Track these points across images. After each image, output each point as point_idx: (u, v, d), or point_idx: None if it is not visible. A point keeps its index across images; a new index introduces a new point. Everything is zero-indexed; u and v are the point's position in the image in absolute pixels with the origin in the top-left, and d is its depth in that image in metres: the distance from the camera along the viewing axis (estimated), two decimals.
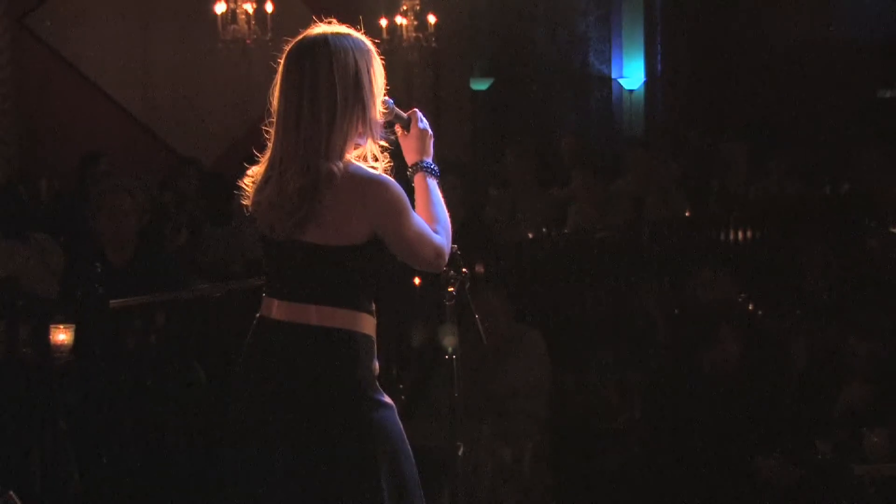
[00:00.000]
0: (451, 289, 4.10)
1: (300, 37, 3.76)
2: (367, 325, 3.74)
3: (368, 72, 3.71)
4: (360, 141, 3.73)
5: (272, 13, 11.86)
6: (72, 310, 7.27)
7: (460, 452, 3.94)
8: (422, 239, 3.72)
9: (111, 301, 7.26)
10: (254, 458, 3.72)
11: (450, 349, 4.13)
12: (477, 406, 6.44)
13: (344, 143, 3.65)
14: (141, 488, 6.90)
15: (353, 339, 3.68)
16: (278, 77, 3.74)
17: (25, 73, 13.19)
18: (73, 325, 7.11)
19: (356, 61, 3.69)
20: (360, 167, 3.67)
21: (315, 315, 3.68)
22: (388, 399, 3.76)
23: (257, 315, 3.85)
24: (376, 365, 3.79)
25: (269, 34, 11.72)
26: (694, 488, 6.61)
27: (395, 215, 3.65)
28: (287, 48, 3.75)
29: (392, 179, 3.71)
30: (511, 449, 6.77)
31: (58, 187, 11.72)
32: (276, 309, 3.75)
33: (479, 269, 7.52)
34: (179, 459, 7.18)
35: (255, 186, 3.81)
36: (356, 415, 3.66)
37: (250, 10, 11.74)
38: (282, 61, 3.74)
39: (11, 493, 5.52)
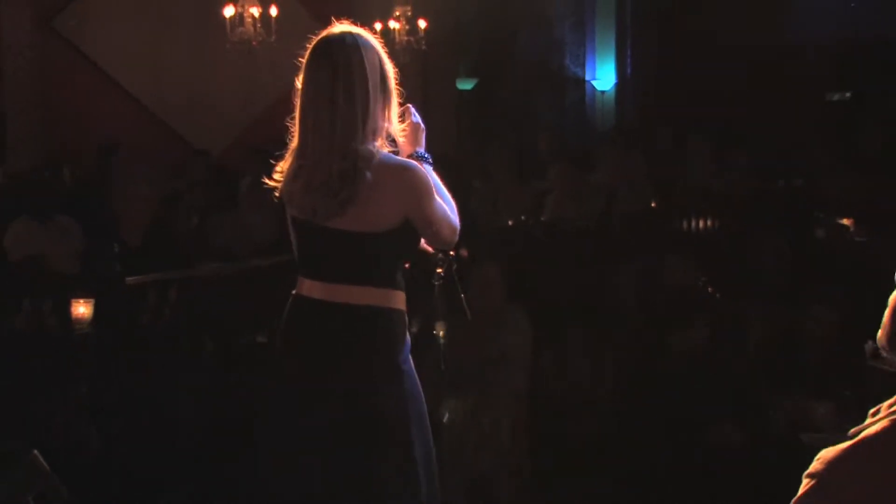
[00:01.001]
0: (439, 270, 4.08)
1: (324, 34, 3.71)
2: (400, 300, 3.77)
3: (388, 67, 3.70)
4: (386, 129, 3.70)
5: (276, 17, 11.85)
6: (91, 286, 7.30)
7: (445, 420, 3.92)
8: (444, 219, 3.75)
9: (127, 278, 7.28)
10: (297, 420, 3.73)
11: (437, 327, 4.12)
12: (461, 378, 6.41)
13: (375, 130, 3.64)
14: (153, 449, 6.88)
15: (389, 314, 3.72)
16: (307, 73, 3.68)
17: (50, 70, 13.16)
18: (93, 300, 7.13)
19: (380, 57, 3.69)
20: (389, 155, 3.67)
21: (355, 295, 3.68)
22: (413, 367, 3.80)
23: (293, 293, 3.82)
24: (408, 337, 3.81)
25: (273, 36, 11.71)
26: (658, 454, 6.61)
27: (426, 198, 3.67)
28: (313, 45, 3.70)
29: (418, 165, 3.70)
30: (491, 417, 6.74)
31: (79, 174, 11.70)
32: (318, 290, 3.74)
33: (464, 252, 7.49)
34: (189, 421, 7.17)
35: (284, 178, 3.76)
36: (393, 383, 3.71)
37: (256, 14, 11.74)
38: (308, 58, 3.68)
39: (35, 452, 5.50)
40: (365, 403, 3.66)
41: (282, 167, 3.79)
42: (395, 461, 3.67)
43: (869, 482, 2.02)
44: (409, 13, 11.56)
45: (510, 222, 10.01)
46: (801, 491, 2.10)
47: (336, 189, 3.58)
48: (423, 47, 11.74)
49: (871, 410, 2.13)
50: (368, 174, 3.56)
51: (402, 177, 3.64)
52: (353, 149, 3.57)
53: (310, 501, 3.69)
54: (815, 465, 2.10)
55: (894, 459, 2.02)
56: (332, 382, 3.68)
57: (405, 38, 11.27)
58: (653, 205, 10.33)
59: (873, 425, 2.08)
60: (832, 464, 2.08)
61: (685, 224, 9.80)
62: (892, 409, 2.08)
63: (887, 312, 2.23)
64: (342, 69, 3.59)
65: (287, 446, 3.75)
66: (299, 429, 3.72)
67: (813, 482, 2.09)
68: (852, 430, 2.12)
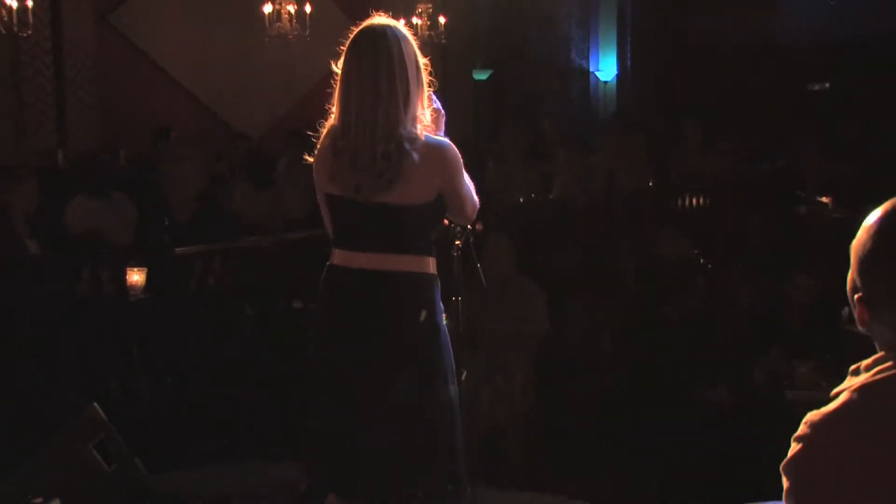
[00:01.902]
0: (458, 242, 4.09)
1: (366, 25, 3.67)
2: (434, 265, 3.76)
3: (420, 58, 3.69)
4: (421, 114, 3.67)
5: (310, 13, 11.87)
6: (144, 256, 7.31)
7: (463, 377, 3.92)
8: (470, 195, 3.75)
9: (176, 249, 7.29)
10: (346, 376, 3.71)
11: (455, 293, 4.11)
12: (477, 339, 6.42)
13: (415, 114, 3.62)
14: (199, 401, 6.92)
15: (427, 279, 3.72)
16: (350, 61, 3.63)
17: (107, 62, 13.16)
18: (146, 269, 7.15)
19: (415, 49, 3.67)
20: (429, 136, 3.64)
21: (395, 263, 3.67)
22: (445, 325, 3.79)
23: (329, 264, 3.79)
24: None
25: (307, 31, 11.75)
26: (653, 409, 6.61)
27: (458, 174, 3.67)
28: (356, 35, 3.65)
29: (452, 144, 3.69)
30: (504, 375, 6.76)
31: (133, 156, 11.71)
32: (357, 259, 3.71)
33: (479, 226, 7.49)
34: (231, 377, 7.20)
35: (320, 156, 3.73)
36: (433, 337, 3.71)
37: (292, 11, 11.79)
38: (351, 46, 3.64)
39: (95, 404, 5.52)
40: (412, 356, 3.66)
41: (319, 148, 3.75)
42: (440, 400, 3.69)
43: (854, 444, 1.96)
44: (431, 10, 11.55)
45: (521, 199, 9.98)
46: (790, 454, 2.03)
47: (382, 169, 3.55)
48: (443, 41, 11.72)
49: (852, 368, 2.07)
50: (415, 155, 3.55)
51: (442, 155, 3.62)
52: (399, 134, 3.54)
53: (369, 439, 3.69)
54: (803, 428, 2.02)
55: (875, 420, 1.96)
56: (380, 342, 3.67)
57: (427, 32, 11.24)
58: (650, 184, 10.29)
59: (854, 385, 2.02)
60: (818, 427, 2.00)
61: (679, 202, 9.77)
62: (871, 369, 2.02)
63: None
64: (385, 60, 3.56)
65: (342, 398, 3.72)
66: (351, 383, 3.70)
67: (801, 446, 2.02)
68: (834, 391, 2.07)
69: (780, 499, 2.90)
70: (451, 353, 3.76)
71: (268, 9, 11.81)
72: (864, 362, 2.04)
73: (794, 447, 2.01)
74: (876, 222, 2.03)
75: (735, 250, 7.82)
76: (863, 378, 2.01)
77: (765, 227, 7.81)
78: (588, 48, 17.49)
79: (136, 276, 7.12)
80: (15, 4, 10.40)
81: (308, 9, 11.92)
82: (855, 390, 2.00)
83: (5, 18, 10.38)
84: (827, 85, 17.54)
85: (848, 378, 2.06)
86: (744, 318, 7.01)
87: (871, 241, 2.02)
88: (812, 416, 2.02)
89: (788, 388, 6.20)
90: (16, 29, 10.62)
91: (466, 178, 3.71)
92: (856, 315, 2.08)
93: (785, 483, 2.03)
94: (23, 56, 12.34)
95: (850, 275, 2.07)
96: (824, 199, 9.19)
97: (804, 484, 2.01)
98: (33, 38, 11.85)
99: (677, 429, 6.34)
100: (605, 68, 17.68)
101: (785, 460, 2.02)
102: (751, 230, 7.80)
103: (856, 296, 2.06)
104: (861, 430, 1.96)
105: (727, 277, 7.46)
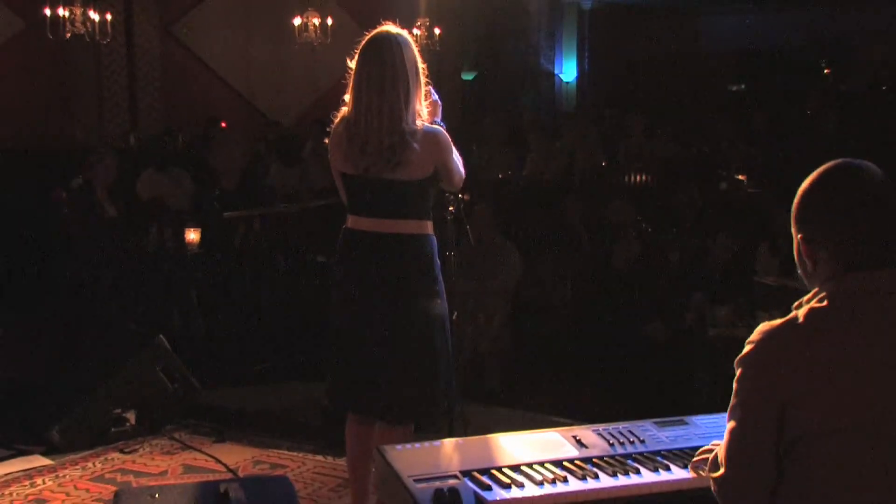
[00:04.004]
0: (451, 208, 4.04)
1: (376, 32, 3.57)
2: (431, 227, 3.68)
3: (420, 62, 3.59)
4: (420, 108, 3.58)
5: (331, 25, 11.80)
6: (198, 219, 7.27)
7: (454, 316, 3.89)
8: (457, 168, 3.65)
9: (224, 213, 7.25)
10: (359, 317, 3.65)
11: (448, 249, 4.07)
12: (465, 286, 6.40)
13: (415, 109, 3.53)
14: (243, 335, 6.91)
15: (427, 239, 3.65)
16: (362, 63, 3.53)
17: (169, 63, 13.12)
18: (200, 229, 7.10)
19: (415, 52, 3.58)
20: (426, 125, 3.56)
21: (400, 226, 3.59)
22: (441, 277, 3.73)
23: (345, 227, 3.72)
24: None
25: (329, 39, 11.68)
26: (604, 341, 6.62)
27: (448, 154, 3.58)
28: (367, 40, 3.55)
29: (443, 129, 3.61)
30: (485, 314, 6.74)
31: (189, 139, 11.64)
32: (368, 224, 3.63)
33: (465, 197, 7.47)
34: (269, 315, 7.18)
35: (335, 139, 3.64)
36: (432, 286, 3.65)
37: (317, 23, 11.75)
38: (363, 50, 3.54)
39: (161, 336, 5.51)
40: (415, 300, 3.61)
41: (333, 129, 3.67)
42: (440, 331, 3.64)
43: (796, 351, 2.00)
44: (428, 23, 11.49)
45: (500, 176, 9.94)
46: (743, 353, 2.06)
47: (388, 157, 3.49)
48: (438, 48, 11.64)
49: (795, 304, 2.11)
50: (416, 145, 3.49)
51: (436, 140, 3.55)
52: (402, 129, 3.47)
53: (380, 367, 3.65)
54: (755, 335, 2.05)
55: (810, 334, 2.01)
56: (388, 289, 3.61)
57: (424, 41, 11.15)
58: (602, 164, 10.24)
59: (801, 310, 2.06)
60: (767, 334, 2.03)
61: (626, 178, 9.71)
62: (811, 301, 2.07)
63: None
64: (389, 64, 3.48)
65: (358, 334, 3.67)
66: (365, 322, 3.65)
67: (752, 346, 2.05)
68: (777, 321, 2.10)
69: (705, 412, 2.92)
70: (445, 298, 3.73)
71: (297, 21, 11.83)
72: (805, 298, 2.09)
73: (747, 347, 2.05)
74: (807, 184, 2.11)
75: (669, 217, 7.78)
76: (806, 307, 2.05)
77: (693, 198, 7.76)
78: (554, 55, 17.38)
79: (192, 235, 7.09)
80: (96, 17, 10.44)
81: (330, 21, 11.87)
82: (799, 313, 2.04)
83: (89, 29, 10.40)
84: (743, 86, 17.55)
85: (793, 310, 2.09)
86: (675, 271, 6.99)
87: (802, 197, 2.11)
88: (763, 326, 2.05)
89: (710, 326, 6.19)
90: (97, 37, 10.66)
91: (456, 154, 3.64)
92: (802, 260, 2.13)
93: (737, 372, 2.07)
94: (103, 59, 12.36)
95: (794, 231, 2.13)
96: (740, 177, 9.16)
97: (750, 373, 2.04)
98: (111, 44, 11.82)
99: (623, 356, 6.35)
100: (567, 71, 17.60)
101: (739, 356, 2.06)
102: (682, 201, 7.76)
103: (799, 235, 2.11)
104: (799, 339, 2.00)
105: (663, 238, 7.44)
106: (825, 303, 2.03)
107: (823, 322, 2.00)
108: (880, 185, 2.06)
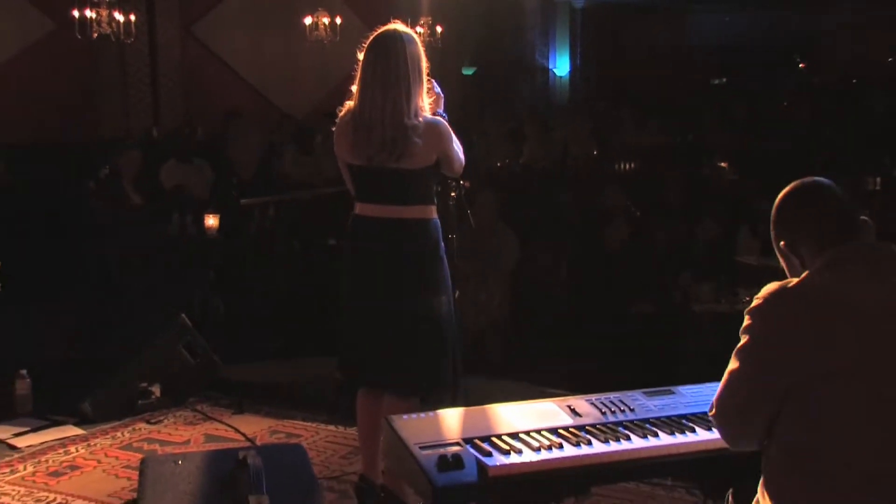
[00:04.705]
0: (453, 194, 4.02)
1: (382, 30, 3.54)
2: (434, 212, 3.67)
3: (423, 58, 3.56)
4: (422, 102, 3.55)
5: (340, 24, 11.80)
6: (217, 205, 7.26)
7: (457, 295, 3.88)
8: (458, 156, 3.61)
9: (242, 200, 7.24)
10: (368, 297, 3.66)
11: (451, 232, 4.05)
12: (467, 267, 6.39)
13: (418, 104, 3.50)
14: (259, 314, 6.91)
15: (431, 223, 3.64)
16: (368, 59, 3.50)
17: (189, 61, 13.06)
18: (219, 215, 7.09)
19: (419, 50, 3.54)
20: (427, 116, 3.53)
21: (405, 212, 3.58)
22: (446, 257, 3.71)
23: (353, 213, 3.70)
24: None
25: (338, 37, 11.69)
26: (597, 317, 6.61)
27: (449, 143, 3.55)
28: (374, 37, 3.52)
29: (443, 120, 3.59)
30: (486, 294, 6.73)
31: (209, 131, 11.61)
32: (375, 210, 3.61)
33: (466, 184, 7.44)
34: (283, 295, 7.17)
35: (341, 130, 3.62)
36: (437, 267, 3.64)
37: (327, 22, 11.81)
38: (370, 46, 3.51)
39: (183, 314, 5.52)
40: (420, 280, 3.60)
41: (339, 120, 3.64)
42: (443, 312, 3.62)
43: (800, 303, 2.15)
44: (430, 21, 11.50)
45: (499, 164, 9.91)
46: (752, 304, 2.20)
47: (391, 149, 3.47)
48: (440, 45, 11.64)
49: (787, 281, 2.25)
50: (417, 139, 3.46)
51: (437, 130, 3.52)
52: (404, 124, 3.45)
53: (389, 343, 3.64)
54: (763, 290, 2.20)
55: (817, 289, 2.16)
56: (395, 271, 3.60)
57: (427, 38, 11.13)
58: (595, 153, 10.21)
59: (799, 278, 2.22)
60: (776, 288, 2.18)
61: (617, 166, 9.69)
62: (805, 273, 2.23)
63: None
64: (393, 60, 3.45)
65: (367, 313, 3.67)
66: (373, 301, 3.65)
67: (760, 300, 2.19)
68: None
69: (691, 382, 2.92)
70: (449, 278, 3.72)
71: (308, 20, 11.90)
72: (794, 280, 2.24)
73: (756, 301, 2.20)
74: (779, 199, 2.33)
75: (657, 201, 7.76)
76: (805, 272, 2.23)
77: (679, 184, 7.74)
78: (548, 51, 17.35)
79: (211, 220, 7.07)
80: (121, 18, 10.44)
81: (339, 20, 11.88)
82: (801, 277, 2.21)
83: (115, 29, 10.40)
84: (724, 80, 17.54)
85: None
86: (663, 252, 6.98)
87: (778, 209, 2.34)
88: (771, 284, 2.21)
89: (695, 303, 6.19)
90: (122, 37, 10.67)
91: (456, 143, 3.60)
92: (790, 263, 2.33)
93: (745, 321, 2.21)
94: (127, 57, 12.32)
95: (776, 241, 2.34)
96: (722, 164, 9.13)
97: (759, 320, 2.19)
98: (135, 44, 11.76)
99: (615, 331, 6.34)
100: (561, 66, 17.57)
101: (748, 307, 2.21)
102: (669, 187, 7.73)
103: (781, 242, 2.32)
104: (803, 293, 2.17)
105: (650, 222, 7.42)
106: (819, 267, 2.21)
107: (821, 279, 2.17)
108: (833, 187, 2.31)
